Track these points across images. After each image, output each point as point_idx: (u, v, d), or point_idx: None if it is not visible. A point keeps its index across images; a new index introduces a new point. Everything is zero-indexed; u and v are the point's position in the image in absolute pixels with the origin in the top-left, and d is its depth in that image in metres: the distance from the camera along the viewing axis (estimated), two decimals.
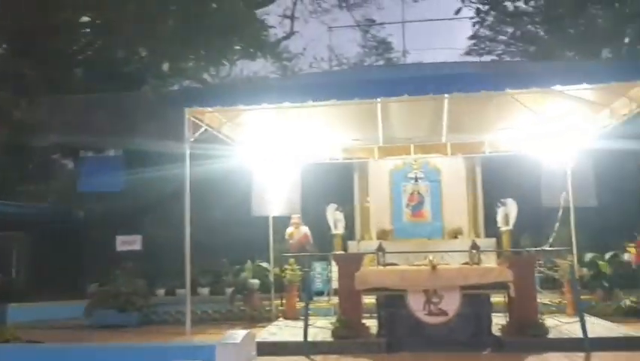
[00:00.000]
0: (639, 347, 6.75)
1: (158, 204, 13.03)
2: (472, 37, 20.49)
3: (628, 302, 9.33)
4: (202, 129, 8.60)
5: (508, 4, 18.89)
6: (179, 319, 9.49)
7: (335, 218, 12.94)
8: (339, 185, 13.57)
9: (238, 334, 5.11)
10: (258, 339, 7.47)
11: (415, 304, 7.42)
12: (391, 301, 7.53)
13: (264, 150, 10.47)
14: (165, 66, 14.52)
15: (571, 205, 10.11)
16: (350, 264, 7.77)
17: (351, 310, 7.55)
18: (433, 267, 7.46)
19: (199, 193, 10.30)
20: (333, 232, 12.81)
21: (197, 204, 9.12)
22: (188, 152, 8.07)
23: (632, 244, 10.35)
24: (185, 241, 7.89)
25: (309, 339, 7.33)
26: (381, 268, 7.80)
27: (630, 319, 9.12)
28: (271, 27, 16.82)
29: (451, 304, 7.37)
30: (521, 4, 18.51)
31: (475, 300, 7.40)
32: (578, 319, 7.14)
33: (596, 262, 9.63)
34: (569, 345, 6.97)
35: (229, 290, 10.76)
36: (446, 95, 9.47)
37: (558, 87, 7.36)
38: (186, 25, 12.87)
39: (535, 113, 9.55)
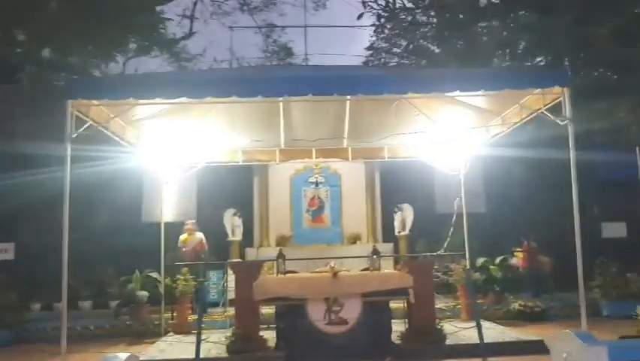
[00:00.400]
0: (532, 350, 6.81)
1: (35, 208, 11.67)
2: (369, 48, 20.80)
3: (517, 306, 9.57)
4: (86, 125, 7.65)
5: (404, 15, 19.33)
6: (56, 336, 8.41)
7: (233, 224, 12.36)
8: (238, 189, 12.98)
9: (119, 357, 4.40)
10: (144, 357, 6.72)
11: (316, 313, 7.03)
12: (291, 312, 7.09)
13: (158, 150, 9.61)
14: (46, 52, 13.01)
15: (464, 211, 10.26)
16: (248, 272, 7.23)
17: (248, 323, 7.01)
18: (334, 274, 7.14)
19: (83, 197, 9.25)
20: (230, 238, 12.22)
21: (80, 209, 8.16)
22: (69, 149, 7.09)
23: (519, 249, 10.72)
24: (63, 248, 6.92)
25: (202, 356, 6.69)
26: (280, 276, 7.34)
27: (519, 322, 9.36)
28: (168, 19, 15.78)
29: (352, 312, 7.07)
30: (419, 16, 19.01)
31: (376, 307, 7.15)
32: (473, 324, 7.10)
33: (487, 267, 9.82)
34: (466, 351, 6.89)
35: (115, 304, 9.75)
36: (348, 98, 9.26)
37: (457, 93, 7.33)
38: (73, 8, 11.60)
39: (431, 119, 9.60)
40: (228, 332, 7.21)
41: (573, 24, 11.81)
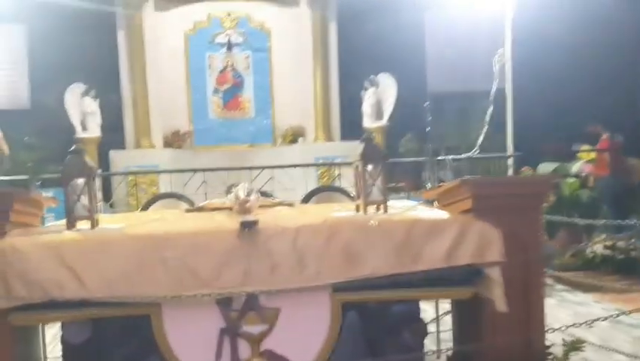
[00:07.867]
0: None
1: None
2: None
3: (600, 248, 5.04)
4: None
5: None
6: None
7: (83, 110, 7.31)
8: (95, 53, 7.60)
9: None
10: None
11: (189, 341, 2.06)
12: (112, 339, 2.10)
13: None
14: None
15: (509, 84, 5.34)
16: None
17: None
18: (244, 223, 2.06)
19: None
20: (80, 134, 7.18)
21: None
22: None
23: (587, 147, 6.11)
24: None
25: None
26: (79, 232, 2.20)
27: (604, 275, 4.94)
28: None
29: (305, 338, 2.13)
30: None
31: (382, 324, 2.25)
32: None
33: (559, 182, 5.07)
34: None
35: None
36: None
37: None
38: None
39: None
40: None
41: None
